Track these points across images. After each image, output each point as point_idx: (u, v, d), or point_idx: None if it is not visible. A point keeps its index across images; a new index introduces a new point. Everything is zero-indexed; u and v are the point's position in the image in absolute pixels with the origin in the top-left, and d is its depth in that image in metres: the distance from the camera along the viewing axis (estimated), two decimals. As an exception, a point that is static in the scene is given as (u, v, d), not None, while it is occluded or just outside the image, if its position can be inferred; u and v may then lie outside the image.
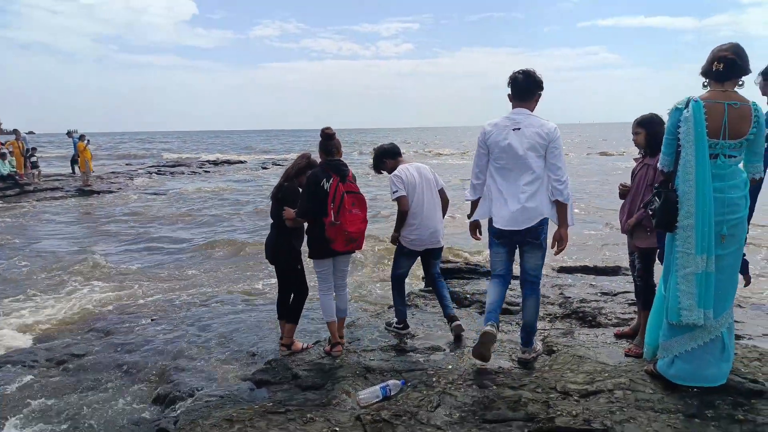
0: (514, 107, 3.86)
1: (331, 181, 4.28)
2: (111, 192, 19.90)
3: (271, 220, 4.79)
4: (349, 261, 4.72)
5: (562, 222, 3.84)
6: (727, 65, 3.17)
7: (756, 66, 3.39)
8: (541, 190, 3.79)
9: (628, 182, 4.27)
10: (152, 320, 5.98)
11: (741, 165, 3.33)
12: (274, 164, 33.58)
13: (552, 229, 3.90)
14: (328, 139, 4.39)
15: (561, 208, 3.82)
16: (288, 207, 4.56)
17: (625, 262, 8.31)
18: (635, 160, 4.30)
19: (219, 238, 11.59)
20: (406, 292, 5.28)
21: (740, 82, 3.26)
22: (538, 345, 4.30)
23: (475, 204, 4.06)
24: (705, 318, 3.26)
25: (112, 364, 4.68)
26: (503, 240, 3.92)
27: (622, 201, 4.24)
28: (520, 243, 3.90)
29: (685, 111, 3.19)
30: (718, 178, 3.22)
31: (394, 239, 4.77)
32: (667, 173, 3.41)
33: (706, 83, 3.32)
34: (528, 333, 4.10)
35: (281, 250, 4.70)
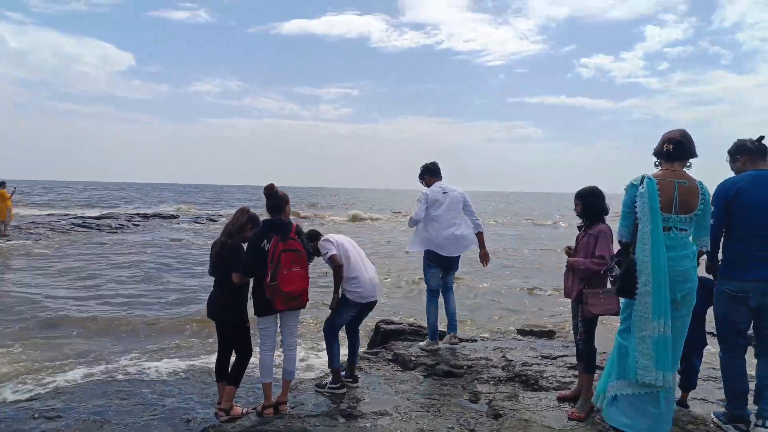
0: (433, 182, 6.02)
1: (271, 241, 4.30)
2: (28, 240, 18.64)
3: (212, 278, 4.65)
4: (297, 318, 4.62)
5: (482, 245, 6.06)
6: (676, 147, 3.57)
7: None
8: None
9: (573, 244, 4.45)
10: (73, 384, 5.53)
11: (690, 238, 3.66)
12: (209, 219, 32.75)
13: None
14: (270, 198, 4.48)
15: (480, 236, 6.03)
16: (232, 267, 4.46)
17: (557, 326, 8.67)
18: (578, 227, 4.52)
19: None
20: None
21: (688, 164, 3.65)
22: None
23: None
24: (664, 380, 3.49)
25: (28, 433, 4.26)
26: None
27: (565, 268, 4.40)
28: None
29: (641, 187, 3.52)
30: (671, 249, 3.52)
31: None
32: (625, 243, 3.68)
33: (657, 162, 3.69)
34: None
35: (225, 307, 4.57)
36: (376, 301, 5.09)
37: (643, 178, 3.54)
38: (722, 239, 3.96)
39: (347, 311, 4.94)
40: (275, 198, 4.51)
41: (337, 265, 4.76)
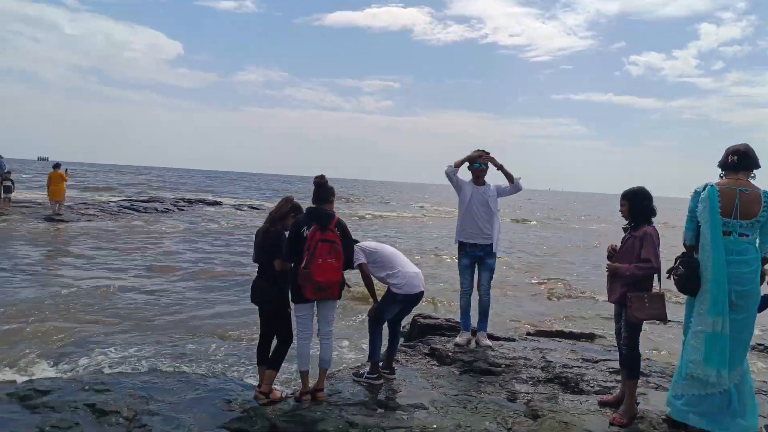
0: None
1: (310, 229, 4.39)
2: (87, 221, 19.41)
3: (257, 264, 4.75)
4: (334, 308, 4.65)
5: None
6: (739, 157, 3.80)
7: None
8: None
9: (618, 244, 4.38)
10: (122, 358, 5.75)
11: (757, 245, 3.81)
12: (251, 207, 33.35)
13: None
14: (318, 187, 4.61)
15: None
16: (275, 253, 4.56)
17: (599, 330, 8.48)
18: (624, 229, 4.43)
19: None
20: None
21: (752, 175, 3.85)
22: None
23: None
24: (718, 376, 3.69)
25: (79, 404, 4.44)
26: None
27: (607, 274, 4.31)
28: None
29: (703, 193, 3.76)
30: (729, 252, 3.70)
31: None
32: (689, 246, 3.91)
33: (722, 174, 3.90)
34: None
35: (267, 293, 4.66)
36: (422, 293, 5.06)
37: (706, 185, 3.79)
38: None
39: (393, 306, 4.99)
40: (324, 189, 4.61)
41: (364, 274, 4.87)
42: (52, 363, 6.18)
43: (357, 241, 4.94)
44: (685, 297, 3.92)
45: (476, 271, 6.04)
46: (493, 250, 5.97)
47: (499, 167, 5.98)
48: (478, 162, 6.01)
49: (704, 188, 3.79)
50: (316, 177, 4.61)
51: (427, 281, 5.16)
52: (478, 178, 6.07)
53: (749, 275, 3.71)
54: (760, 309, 3.95)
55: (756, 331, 4.09)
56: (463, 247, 6.07)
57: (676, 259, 3.92)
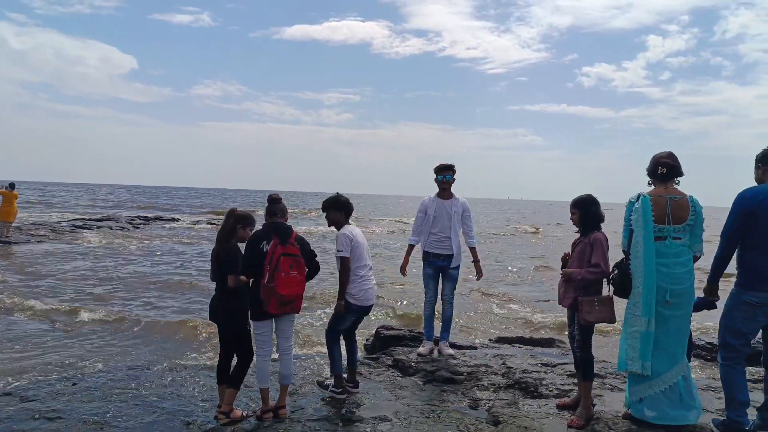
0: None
1: (270, 243, 4.37)
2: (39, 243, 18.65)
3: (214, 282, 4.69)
4: (292, 323, 4.67)
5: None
6: (668, 170, 4.09)
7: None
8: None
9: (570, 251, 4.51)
10: (74, 385, 5.54)
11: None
12: (209, 223, 32.71)
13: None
14: (273, 203, 4.67)
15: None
16: (228, 269, 4.49)
17: (555, 334, 8.68)
18: (577, 233, 4.56)
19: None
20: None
21: (677, 181, 4.16)
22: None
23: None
24: (643, 369, 4.04)
25: (29, 434, 4.26)
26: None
27: (561, 279, 4.43)
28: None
29: (636, 204, 4.04)
30: (665, 255, 4.00)
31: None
32: (625, 251, 4.16)
33: (650, 182, 4.19)
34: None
35: (225, 311, 4.59)
36: (373, 305, 5.16)
37: (639, 195, 4.06)
38: (737, 249, 4.01)
39: (348, 316, 4.98)
40: (279, 206, 4.67)
41: (345, 268, 4.81)
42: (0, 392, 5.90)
43: (314, 253, 4.90)
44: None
45: (440, 281, 6.13)
46: (455, 263, 6.06)
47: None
48: (442, 174, 6.09)
49: (638, 198, 4.06)
50: (271, 195, 4.70)
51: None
52: (444, 191, 6.15)
53: (684, 275, 4.01)
54: (696, 309, 4.17)
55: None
56: (427, 256, 6.14)
57: (615, 266, 4.18)
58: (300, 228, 27.71)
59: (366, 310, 5.07)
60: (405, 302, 11.64)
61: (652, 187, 4.21)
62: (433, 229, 6.11)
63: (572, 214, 4.41)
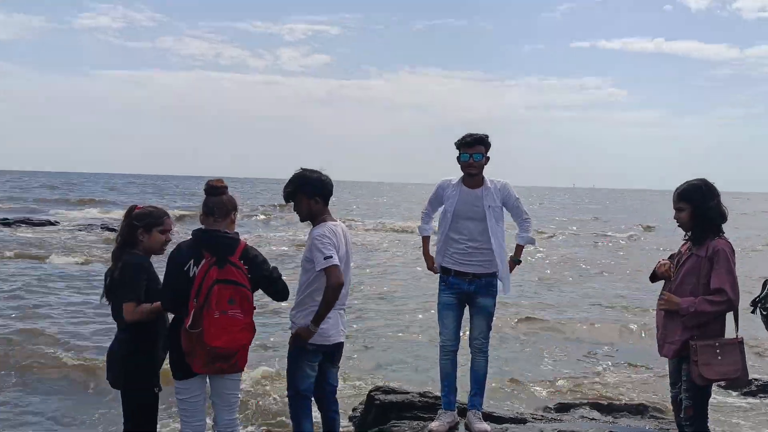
0: None
1: (200, 264, 3.21)
2: None
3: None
4: (237, 385, 3.45)
5: None
6: None
7: None
8: None
9: (671, 262, 3.54)
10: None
11: None
12: (105, 228, 23.10)
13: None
14: (212, 193, 3.37)
15: None
16: (122, 295, 3.33)
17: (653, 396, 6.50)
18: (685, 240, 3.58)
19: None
20: None
21: None
22: None
23: None
24: None
25: None
26: None
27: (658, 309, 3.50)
28: None
29: None
30: None
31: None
32: None
33: None
34: None
35: (116, 362, 3.39)
36: (342, 344, 3.83)
37: None
38: None
39: (309, 363, 3.64)
40: (220, 199, 3.37)
41: (334, 281, 3.44)
42: None
43: (276, 276, 3.49)
44: None
45: (466, 314, 4.44)
46: (495, 283, 4.34)
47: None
48: (468, 152, 4.29)
49: None
50: (211, 181, 3.44)
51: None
52: (472, 176, 4.34)
53: None
54: None
55: None
56: (446, 275, 4.39)
57: (765, 284, 3.39)
58: (254, 237, 21.73)
59: (330, 350, 3.73)
60: (415, 346, 8.72)
61: None
62: (454, 232, 4.32)
63: (678, 211, 3.50)
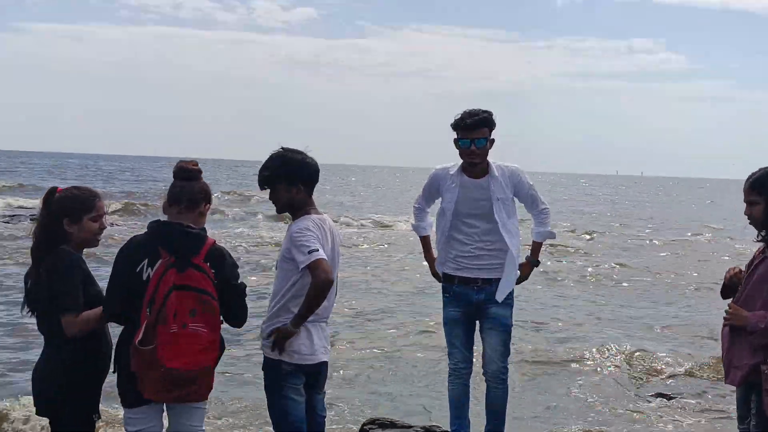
0: None
1: (156, 265, 2.74)
2: None
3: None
4: (201, 415, 2.96)
5: None
6: None
7: None
8: None
9: (742, 268, 3.19)
10: None
11: None
12: (31, 219, 15.15)
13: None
14: (182, 177, 2.90)
15: None
16: (67, 307, 2.72)
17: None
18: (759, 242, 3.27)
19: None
20: None
21: None
22: None
23: None
24: None
25: None
26: None
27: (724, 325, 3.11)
28: None
29: None
30: None
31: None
32: None
33: None
34: None
35: (45, 385, 2.81)
36: (326, 363, 3.23)
37: None
38: None
39: (290, 386, 3.03)
40: (188, 185, 2.90)
41: (321, 277, 2.83)
42: None
43: (242, 285, 2.96)
44: None
45: (477, 329, 3.88)
46: (502, 294, 3.72)
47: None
48: (468, 137, 3.65)
49: None
50: (182, 163, 2.97)
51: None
52: (474, 165, 3.72)
53: None
54: None
55: None
56: (450, 283, 3.81)
57: None
58: (224, 235, 16.55)
59: (314, 370, 3.15)
60: (418, 370, 7.42)
61: None
62: (456, 231, 3.73)
63: (749, 205, 3.18)
